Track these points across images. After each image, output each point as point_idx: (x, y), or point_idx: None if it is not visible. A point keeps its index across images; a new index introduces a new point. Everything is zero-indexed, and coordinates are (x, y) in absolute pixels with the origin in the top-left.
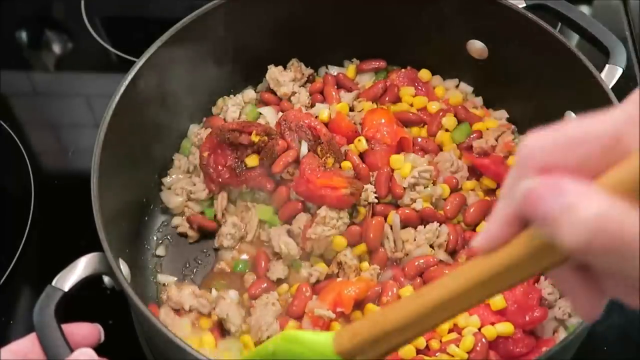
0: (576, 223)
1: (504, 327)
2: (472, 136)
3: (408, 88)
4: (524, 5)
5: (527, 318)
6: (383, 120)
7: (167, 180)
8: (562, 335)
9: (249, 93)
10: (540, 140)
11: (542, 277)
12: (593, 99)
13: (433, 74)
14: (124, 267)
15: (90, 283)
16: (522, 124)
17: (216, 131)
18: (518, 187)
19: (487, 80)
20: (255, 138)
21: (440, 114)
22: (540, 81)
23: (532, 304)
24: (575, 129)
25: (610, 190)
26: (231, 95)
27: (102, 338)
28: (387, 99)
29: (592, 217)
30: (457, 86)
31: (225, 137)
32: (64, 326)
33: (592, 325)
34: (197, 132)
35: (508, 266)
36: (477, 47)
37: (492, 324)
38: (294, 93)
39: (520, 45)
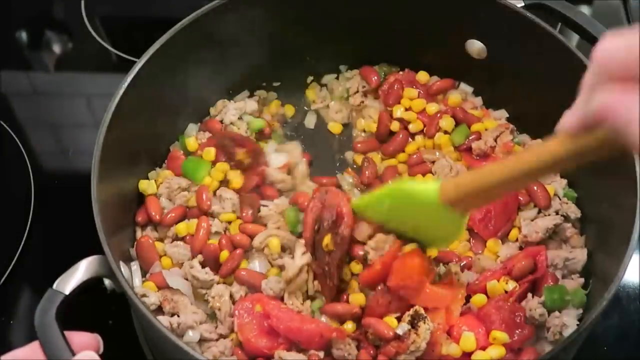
0: None
1: (497, 351)
2: (470, 137)
3: (410, 90)
4: (523, 4)
5: (515, 337)
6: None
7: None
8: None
9: (252, 104)
10: (615, 48)
11: (530, 295)
12: None
13: (431, 74)
14: (124, 270)
15: (90, 284)
16: (522, 123)
17: (218, 135)
18: (594, 98)
19: (486, 80)
20: (240, 156)
21: (438, 115)
22: (539, 81)
23: (518, 322)
24: None
25: None
26: (232, 100)
27: (102, 349)
28: (390, 101)
29: None
30: (457, 86)
31: (223, 142)
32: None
33: (592, 326)
34: (196, 136)
35: (580, 150)
36: (476, 47)
37: (484, 348)
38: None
39: (519, 45)
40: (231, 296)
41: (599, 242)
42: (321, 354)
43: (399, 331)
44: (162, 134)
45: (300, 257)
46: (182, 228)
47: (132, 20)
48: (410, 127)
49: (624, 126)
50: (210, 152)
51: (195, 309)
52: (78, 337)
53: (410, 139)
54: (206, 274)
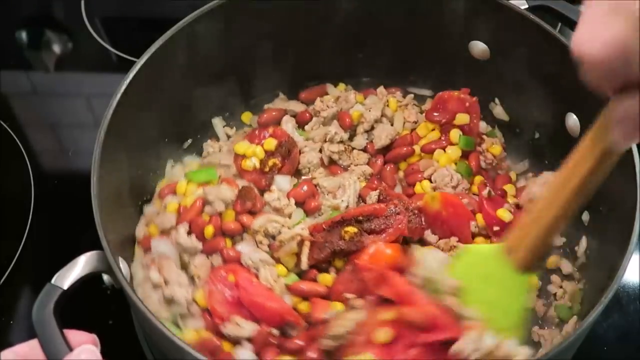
0: None
1: None
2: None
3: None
4: (527, 6)
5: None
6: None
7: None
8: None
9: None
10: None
11: None
12: (594, 99)
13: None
14: (123, 266)
15: (89, 283)
16: (522, 123)
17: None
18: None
19: (488, 80)
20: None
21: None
22: (541, 81)
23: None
24: None
25: None
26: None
27: (99, 349)
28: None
29: None
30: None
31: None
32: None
33: (592, 325)
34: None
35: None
36: (479, 48)
37: None
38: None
39: (521, 46)
40: (212, 266)
41: (599, 242)
42: (275, 330)
43: (327, 315)
44: (162, 134)
45: (299, 228)
46: (174, 205)
47: (132, 20)
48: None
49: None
50: (271, 143)
51: (180, 272)
52: (76, 336)
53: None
54: (190, 242)
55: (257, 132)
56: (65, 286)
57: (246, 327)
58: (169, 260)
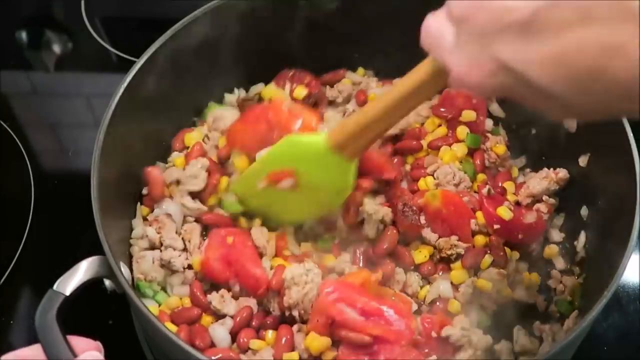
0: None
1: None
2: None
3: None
4: None
5: None
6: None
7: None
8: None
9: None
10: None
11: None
12: None
13: None
14: (124, 270)
15: (90, 284)
16: (519, 119)
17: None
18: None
19: None
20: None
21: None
22: None
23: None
24: None
25: None
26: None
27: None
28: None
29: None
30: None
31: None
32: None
33: (592, 325)
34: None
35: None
36: None
37: None
38: None
39: None
40: (202, 233)
41: (599, 242)
42: (254, 306)
43: (288, 275)
44: (162, 134)
45: None
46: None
47: (132, 20)
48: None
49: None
50: (302, 91)
51: (176, 237)
52: (80, 342)
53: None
54: (194, 202)
55: (289, 74)
56: (68, 292)
57: (230, 305)
58: (171, 221)
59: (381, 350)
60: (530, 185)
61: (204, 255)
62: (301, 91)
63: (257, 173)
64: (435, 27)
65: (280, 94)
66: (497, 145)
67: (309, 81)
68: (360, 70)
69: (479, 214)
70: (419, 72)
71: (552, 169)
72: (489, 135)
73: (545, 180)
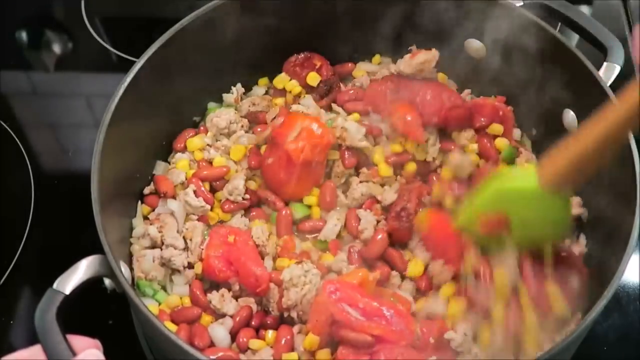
0: None
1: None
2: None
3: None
4: (522, 4)
5: None
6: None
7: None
8: None
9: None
10: None
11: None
12: (591, 96)
13: None
14: (124, 269)
15: (90, 284)
16: (521, 120)
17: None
18: None
19: (485, 78)
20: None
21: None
22: (539, 79)
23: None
24: None
25: None
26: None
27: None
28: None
29: None
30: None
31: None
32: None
33: (592, 325)
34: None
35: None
36: (475, 46)
37: None
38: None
39: (518, 44)
40: (203, 233)
41: (599, 242)
42: (254, 306)
43: (287, 276)
44: (162, 134)
45: None
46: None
47: (132, 20)
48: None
49: None
50: (315, 77)
51: (178, 235)
52: (79, 341)
53: None
54: (198, 201)
55: (298, 60)
56: (67, 291)
57: (230, 304)
58: (173, 220)
59: (381, 350)
60: None
61: (204, 253)
62: (314, 77)
63: (470, 216)
64: None
65: (293, 84)
66: (528, 163)
67: (320, 66)
68: (377, 57)
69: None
70: (635, 94)
71: None
72: (522, 150)
73: None
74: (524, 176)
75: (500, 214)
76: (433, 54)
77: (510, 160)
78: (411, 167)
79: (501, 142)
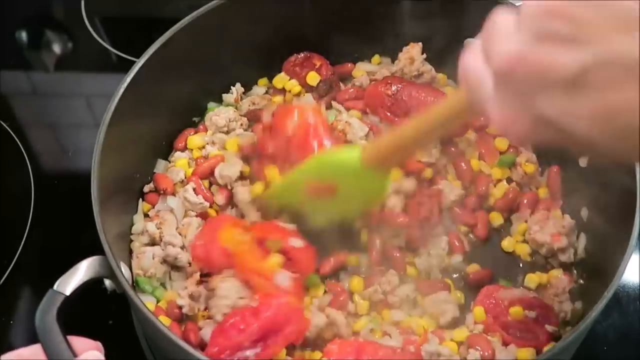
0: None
1: None
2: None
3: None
4: (521, 3)
5: None
6: None
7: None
8: None
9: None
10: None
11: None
12: None
13: None
14: (125, 270)
15: (91, 285)
16: None
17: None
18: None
19: None
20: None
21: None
22: None
23: None
24: None
25: None
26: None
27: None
28: None
29: None
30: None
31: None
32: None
33: (592, 325)
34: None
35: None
36: None
37: None
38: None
39: None
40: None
41: (599, 242)
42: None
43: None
44: (163, 135)
45: None
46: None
47: (132, 20)
48: None
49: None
50: (315, 77)
51: (176, 233)
52: (80, 343)
53: None
54: (197, 198)
55: (298, 59)
56: (68, 292)
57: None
58: (172, 217)
59: None
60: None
61: (196, 239)
62: (314, 77)
63: (294, 183)
64: (474, 71)
65: (293, 84)
66: (527, 163)
67: (320, 66)
68: (376, 57)
69: None
70: (458, 100)
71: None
72: (522, 149)
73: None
74: (349, 152)
75: (327, 180)
76: (416, 49)
77: (510, 161)
78: (427, 173)
79: (501, 142)
